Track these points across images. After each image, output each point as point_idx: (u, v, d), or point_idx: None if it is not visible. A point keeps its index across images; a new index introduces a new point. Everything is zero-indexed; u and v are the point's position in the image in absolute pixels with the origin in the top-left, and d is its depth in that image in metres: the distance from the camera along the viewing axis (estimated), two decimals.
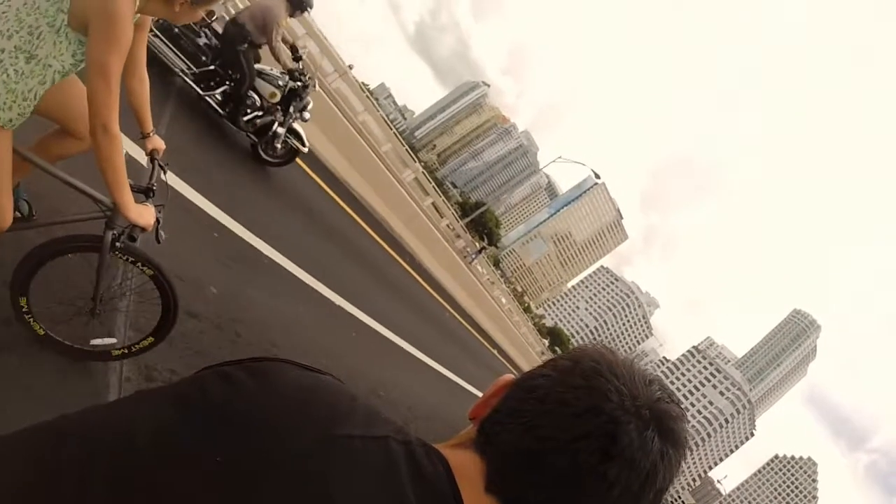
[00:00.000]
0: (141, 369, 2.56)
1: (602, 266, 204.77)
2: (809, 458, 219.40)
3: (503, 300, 23.21)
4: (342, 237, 7.37)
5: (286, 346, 4.01)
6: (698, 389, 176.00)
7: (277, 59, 5.29)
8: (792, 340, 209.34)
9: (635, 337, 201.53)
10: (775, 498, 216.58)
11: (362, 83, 13.93)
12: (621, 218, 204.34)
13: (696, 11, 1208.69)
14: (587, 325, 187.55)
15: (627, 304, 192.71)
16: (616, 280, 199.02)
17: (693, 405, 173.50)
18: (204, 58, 4.99)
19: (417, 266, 11.54)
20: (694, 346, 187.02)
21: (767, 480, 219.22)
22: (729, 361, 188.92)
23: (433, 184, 15.62)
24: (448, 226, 17.14)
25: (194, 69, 4.93)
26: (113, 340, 2.35)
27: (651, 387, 0.60)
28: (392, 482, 0.55)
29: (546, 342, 46.84)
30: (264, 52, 5.48)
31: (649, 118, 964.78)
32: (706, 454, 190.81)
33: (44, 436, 0.53)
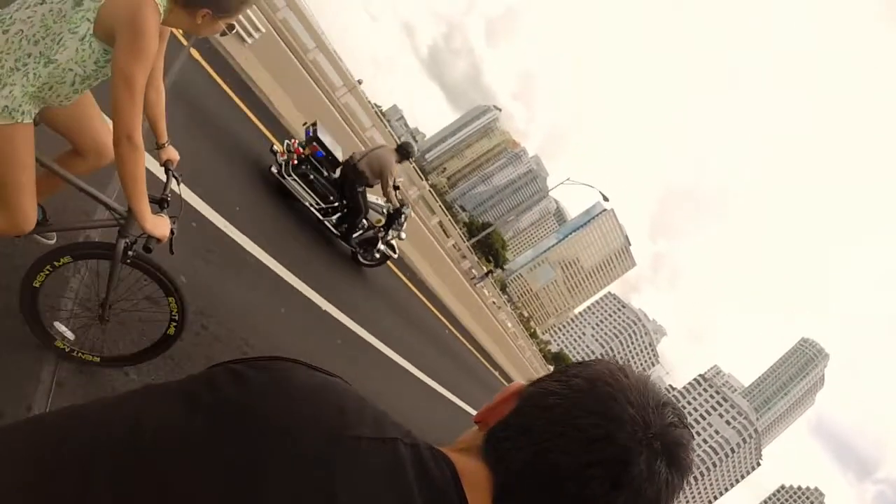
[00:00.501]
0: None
1: (609, 292, 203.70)
2: (816, 489, 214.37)
3: (508, 324, 23.05)
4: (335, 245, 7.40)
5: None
6: (704, 418, 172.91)
7: (389, 200, 6.63)
8: (800, 369, 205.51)
9: (641, 364, 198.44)
10: None
11: (375, 104, 14.11)
12: (629, 244, 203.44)
13: (705, 39, 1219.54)
14: (593, 352, 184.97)
15: (634, 332, 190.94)
16: (623, 307, 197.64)
17: (699, 434, 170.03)
18: (330, 196, 6.25)
19: (419, 282, 11.56)
20: (700, 375, 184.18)
21: None
22: (736, 390, 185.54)
23: (439, 202, 15.67)
24: (454, 246, 17.08)
25: (321, 204, 6.23)
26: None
27: (663, 410, 0.61)
28: (399, 484, 0.55)
29: (551, 368, 46.25)
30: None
31: (659, 142, 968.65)
32: (712, 484, 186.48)
33: (44, 434, 0.53)
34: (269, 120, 7.19)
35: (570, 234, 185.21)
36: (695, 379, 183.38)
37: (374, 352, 6.12)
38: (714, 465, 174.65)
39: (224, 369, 0.59)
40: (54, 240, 2.38)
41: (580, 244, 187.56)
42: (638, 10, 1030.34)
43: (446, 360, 10.43)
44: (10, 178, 1.75)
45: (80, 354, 2.29)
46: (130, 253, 2.05)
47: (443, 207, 15.86)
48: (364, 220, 6.60)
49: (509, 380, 19.65)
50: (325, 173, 6.10)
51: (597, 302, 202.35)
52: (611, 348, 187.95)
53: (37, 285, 2.03)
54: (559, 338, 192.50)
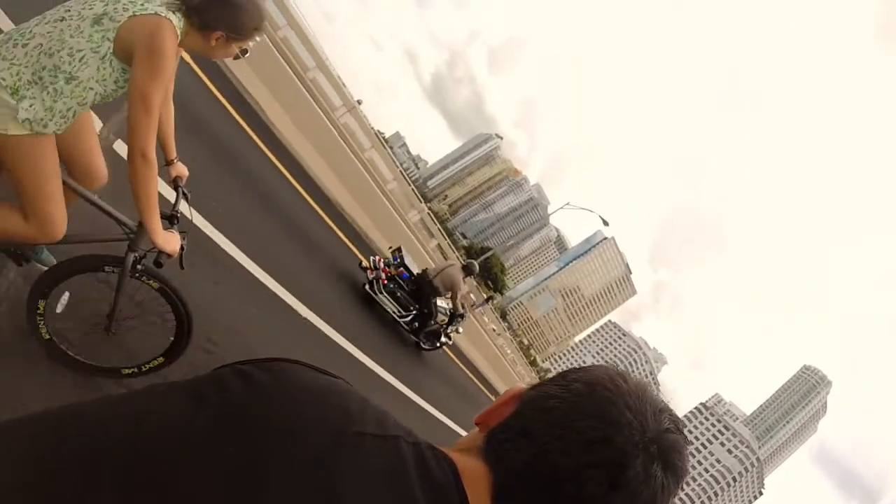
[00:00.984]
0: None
1: (610, 320, 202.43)
2: None
3: (507, 350, 22.92)
4: (329, 253, 7.42)
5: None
6: (706, 447, 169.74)
7: (455, 309, 8.40)
8: (802, 397, 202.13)
9: None
10: None
11: (378, 131, 14.22)
12: (630, 273, 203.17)
13: (704, 43, 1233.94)
14: None
15: (635, 360, 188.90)
16: (624, 335, 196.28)
17: (700, 463, 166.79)
18: (411, 307, 7.72)
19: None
20: (702, 403, 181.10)
21: None
22: (737, 418, 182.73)
23: (438, 225, 15.75)
24: None
25: (402, 312, 7.64)
26: None
27: (660, 416, 0.62)
28: (400, 482, 0.56)
29: None
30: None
31: (660, 169, 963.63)
32: None
33: (44, 433, 0.52)
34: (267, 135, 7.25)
35: (571, 262, 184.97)
36: (696, 407, 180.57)
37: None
38: (716, 494, 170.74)
39: (232, 370, 0.60)
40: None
41: (581, 272, 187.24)
42: (636, 22, 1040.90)
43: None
44: (38, 188, 1.78)
45: (83, 362, 2.30)
46: (139, 267, 2.09)
47: (441, 231, 15.93)
48: (432, 322, 8.24)
49: None
50: (407, 288, 7.48)
51: (597, 330, 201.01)
52: None
53: (44, 296, 2.06)
54: (559, 366, 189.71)
